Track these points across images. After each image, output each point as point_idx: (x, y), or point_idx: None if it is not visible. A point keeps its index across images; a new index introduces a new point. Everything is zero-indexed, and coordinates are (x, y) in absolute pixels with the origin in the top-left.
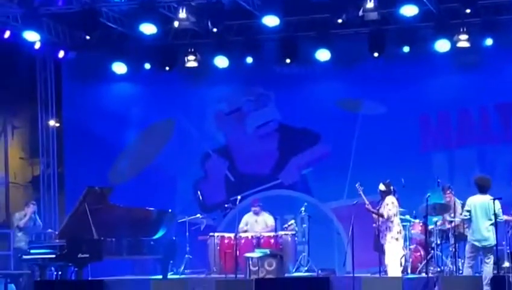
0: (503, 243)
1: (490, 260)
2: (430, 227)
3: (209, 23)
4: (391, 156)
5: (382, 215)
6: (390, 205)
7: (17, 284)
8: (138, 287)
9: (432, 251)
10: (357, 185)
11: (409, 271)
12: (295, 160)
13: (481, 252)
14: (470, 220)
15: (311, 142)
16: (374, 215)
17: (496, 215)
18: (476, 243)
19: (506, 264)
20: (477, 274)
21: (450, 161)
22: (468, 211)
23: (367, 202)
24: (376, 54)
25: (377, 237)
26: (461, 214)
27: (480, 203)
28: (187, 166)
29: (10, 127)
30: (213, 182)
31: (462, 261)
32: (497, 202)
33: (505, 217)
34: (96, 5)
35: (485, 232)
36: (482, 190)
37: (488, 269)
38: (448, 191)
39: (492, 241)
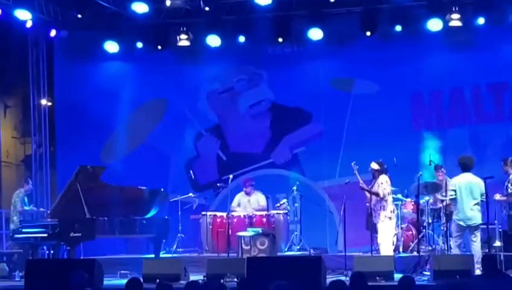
0: (495, 221)
1: (477, 238)
2: (421, 206)
3: (202, 2)
4: (383, 135)
5: (377, 194)
6: (385, 184)
7: (9, 263)
8: (130, 266)
9: (424, 230)
10: (352, 164)
11: (401, 250)
12: (287, 139)
13: (467, 231)
14: (455, 199)
15: (303, 121)
16: (367, 194)
17: (486, 194)
18: (461, 223)
19: (498, 243)
20: (468, 253)
21: (442, 140)
22: (454, 190)
23: (361, 181)
24: (368, 33)
25: (369, 216)
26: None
27: (465, 183)
28: (179, 145)
29: (2, 106)
30: (205, 162)
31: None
32: (481, 181)
33: (498, 197)
34: None
35: (469, 211)
36: (466, 169)
37: (476, 248)
38: (440, 171)
39: (477, 220)
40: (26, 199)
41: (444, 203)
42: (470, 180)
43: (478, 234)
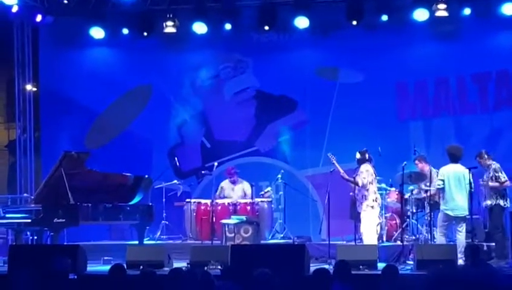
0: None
1: (463, 228)
2: (406, 196)
3: None
4: (368, 124)
5: (356, 184)
6: (364, 173)
7: None
8: (114, 252)
9: (408, 220)
10: (329, 155)
11: (384, 239)
12: (272, 127)
13: (454, 221)
14: (443, 189)
15: (288, 109)
16: (350, 183)
17: (470, 184)
18: (449, 213)
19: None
20: (451, 242)
21: (426, 129)
22: (442, 180)
23: (342, 171)
24: (354, 22)
25: (353, 205)
26: (436, 184)
27: (454, 173)
28: (163, 132)
29: None
30: (189, 149)
31: (437, 229)
32: (468, 171)
33: (491, 183)
34: None
35: (458, 201)
36: (454, 159)
37: (461, 238)
38: (417, 160)
39: (465, 210)
40: None
41: (428, 193)
42: (459, 171)
43: (464, 224)
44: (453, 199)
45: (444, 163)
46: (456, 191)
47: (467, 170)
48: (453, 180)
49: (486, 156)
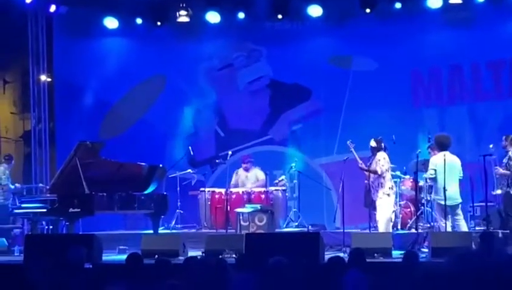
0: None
1: (459, 216)
2: (420, 183)
3: None
4: (382, 112)
5: (375, 172)
6: (382, 161)
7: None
8: (129, 241)
9: (422, 207)
10: (348, 143)
11: (399, 227)
12: (286, 116)
13: (448, 210)
14: (435, 179)
15: (302, 98)
16: (365, 172)
17: (485, 171)
18: (442, 202)
19: (499, 191)
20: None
21: (440, 117)
22: (434, 169)
23: (360, 161)
24: (368, 10)
25: (367, 193)
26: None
27: (444, 162)
28: (177, 121)
29: (1, 81)
30: (203, 138)
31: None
32: (458, 160)
33: (501, 170)
34: None
35: (449, 190)
36: (443, 147)
37: (461, 223)
38: (431, 148)
39: (457, 199)
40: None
41: None
42: (450, 159)
43: (460, 211)
44: (446, 188)
45: (458, 150)
46: (448, 180)
47: (457, 158)
48: (444, 169)
49: (509, 141)
